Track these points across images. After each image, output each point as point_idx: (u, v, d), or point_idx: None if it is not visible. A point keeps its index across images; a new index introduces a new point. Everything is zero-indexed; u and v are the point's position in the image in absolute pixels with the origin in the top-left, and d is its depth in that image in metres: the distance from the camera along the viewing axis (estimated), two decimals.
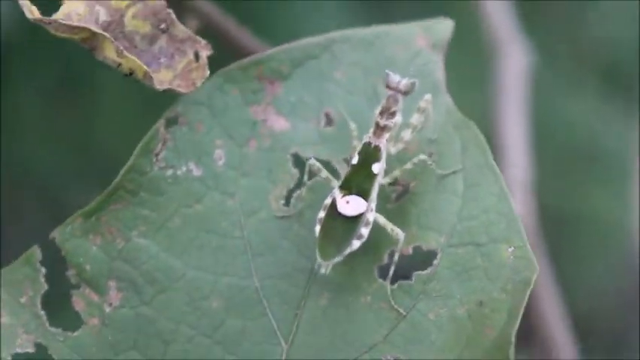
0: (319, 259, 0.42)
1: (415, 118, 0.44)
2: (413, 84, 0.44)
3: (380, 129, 0.44)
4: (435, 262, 0.43)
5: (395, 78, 0.44)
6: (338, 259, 0.42)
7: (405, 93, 0.44)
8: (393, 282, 0.43)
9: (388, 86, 0.44)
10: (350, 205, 0.42)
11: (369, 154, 0.43)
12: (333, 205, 0.43)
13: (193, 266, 0.43)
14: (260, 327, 0.43)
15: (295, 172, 0.44)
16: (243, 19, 0.58)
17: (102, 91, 1.18)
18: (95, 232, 0.43)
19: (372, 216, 0.43)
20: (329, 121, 0.45)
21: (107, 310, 0.43)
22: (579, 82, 1.29)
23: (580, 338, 1.21)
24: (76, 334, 0.43)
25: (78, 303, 0.43)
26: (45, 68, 1.15)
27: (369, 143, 0.44)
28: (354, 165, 0.43)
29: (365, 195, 0.43)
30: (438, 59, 0.46)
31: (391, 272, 0.42)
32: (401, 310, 0.42)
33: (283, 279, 0.43)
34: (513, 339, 0.40)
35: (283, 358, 0.43)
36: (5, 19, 0.99)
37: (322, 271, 0.42)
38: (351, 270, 0.43)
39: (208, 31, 0.56)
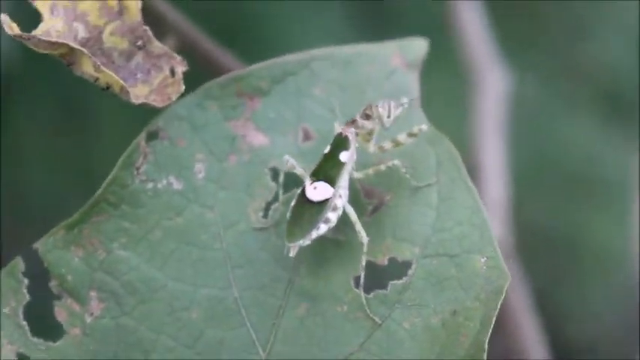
0: (286, 241, 0.44)
1: (402, 138, 0.45)
2: (395, 117, 0.45)
3: (351, 122, 0.45)
4: (410, 272, 0.44)
5: (380, 110, 0.45)
6: (305, 241, 0.44)
7: (388, 121, 0.45)
8: (369, 292, 0.44)
9: (370, 115, 0.45)
10: (317, 191, 0.44)
11: (338, 144, 0.45)
12: (303, 191, 0.44)
13: (173, 277, 0.45)
14: (239, 337, 0.44)
15: (273, 185, 0.46)
16: (229, 38, 0.59)
17: (101, 118, 1.19)
18: (77, 243, 0.44)
19: (339, 202, 0.44)
20: (307, 136, 0.46)
21: (88, 320, 0.44)
22: (579, 106, 1.30)
23: None
24: (57, 343, 0.44)
25: (60, 313, 0.44)
26: (45, 97, 1.17)
27: (340, 133, 0.45)
28: (324, 154, 0.45)
29: (332, 181, 0.44)
30: (413, 77, 0.47)
31: (362, 279, 0.43)
32: (376, 319, 0.43)
33: (262, 290, 0.44)
34: (486, 346, 0.41)
35: None
36: (5, 51, 1.01)
37: (290, 254, 0.44)
38: (328, 280, 0.44)
39: (187, 49, 0.57)
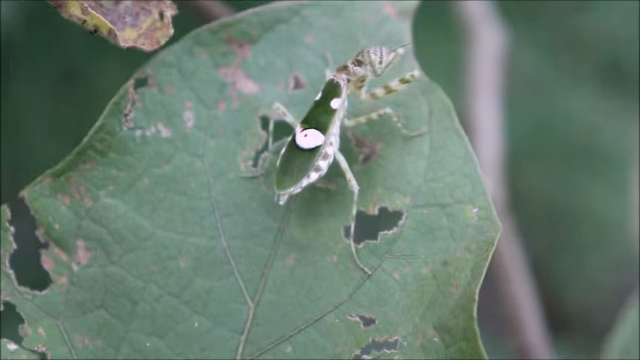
0: (275, 189, 0.43)
1: (394, 84, 0.45)
2: (387, 64, 0.44)
3: (342, 67, 0.45)
4: (401, 222, 0.43)
5: (372, 56, 0.44)
6: (295, 189, 0.43)
7: (380, 67, 0.44)
8: (359, 242, 0.43)
9: (362, 61, 0.44)
10: (308, 138, 0.44)
11: (330, 90, 0.44)
12: (293, 139, 0.44)
13: (161, 226, 0.44)
14: (227, 287, 0.44)
15: (263, 133, 0.45)
16: None
17: (101, 84, 1.19)
18: (64, 191, 0.44)
19: (330, 150, 0.44)
20: (298, 84, 0.46)
21: (75, 269, 0.44)
22: (579, 76, 1.29)
23: (577, 331, 1.21)
24: (44, 292, 0.44)
25: (47, 262, 0.44)
26: (45, 64, 1.16)
27: (331, 80, 0.45)
28: (315, 101, 0.45)
29: (323, 129, 0.44)
30: (405, 26, 0.47)
31: (352, 229, 0.43)
32: (366, 270, 0.43)
33: (251, 239, 0.44)
34: (477, 297, 0.41)
35: (250, 317, 0.43)
36: (6, 18, 1.00)
37: (280, 202, 0.43)
38: (319, 230, 0.44)
39: None
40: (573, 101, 1.28)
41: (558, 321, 1.19)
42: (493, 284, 0.78)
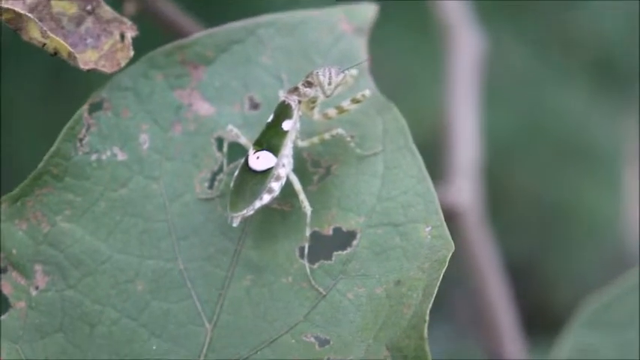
0: (229, 212, 0.43)
1: (346, 104, 0.45)
2: (336, 84, 0.45)
3: (293, 89, 0.45)
4: (355, 242, 0.43)
5: (321, 78, 0.44)
6: (248, 212, 0.43)
7: (329, 88, 0.45)
8: (313, 262, 0.43)
9: (312, 83, 0.45)
10: (259, 160, 0.44)
11: (281, 112, 0.45)
12: (246, 161, 0.44)
13: (118, 249, 0.44)
14: (184, 309, 0.44)
15: (219, 155, 0.45)
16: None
17: (90, 87, 1.18)
18: (21, 216, 0.44)
19: (283, 171, 0.44)
20: (253, 105, 0.46)
21: (33, 293, 0.44)
22: (569, 74, 1.29)
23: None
24: (3, 317, 0.44)
25: (5, 287, 0.44)
26: (34, 66, 1.16)
27: (283, 101, 0.45)
28: (267, 123, 0.45)
29: (275, 150, 0.44)
30: (361, 43, 0.47)
31: (306, 250, 0.43)
32: (320, 290, 0.43)
33: (207, 261, 0.44)
34: (427, 317, 0.41)
35: (207, 339, 0.43)
36: None
37: (233, 224, 0.43)
38: (274, 251, 0.44)
39: (150, 14, 0.57)
40: (563, 98, 1.28)
41: (547, 320, 1.19)
42: (470, 288, 0.78)
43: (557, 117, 1.29)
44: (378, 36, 0.50)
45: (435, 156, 0.83)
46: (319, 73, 0.44)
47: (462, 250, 0.76)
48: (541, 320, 1.15)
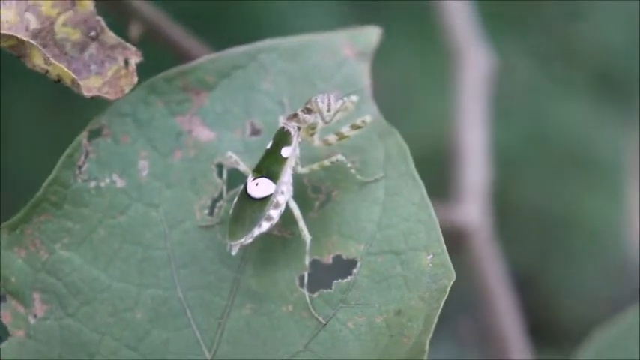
0: (227, 240, 0.42)
1: (346, 130, 0.44)
2: (335, 111, 0.44)
3: (293, 115, 0.44)
4: (355, 270, 0.43)
5: (320, 104, 0.44)
6: (247, 240, 0.42)
7: (328, 115, 0.44)
8: (313, 291, 0.43)
9: (311, 109, 0.44)
10: (258, 187, 0.43)
11: (281, 138, 0.44)
12: (245, 188, 0.43)
13: (117, 277, 0.44)
14: (184, 338, 0.43)
15: (220, 182, 0.45)
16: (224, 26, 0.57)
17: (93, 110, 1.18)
18: (20, 244, 0.44)
19: (282, 199, 0.43)
20: (254, 131, 0.45)
21: (32, 321, 0.43)
22: (572, 86, 1.29)
23: (570, 342, 1.20)
24: (2, 345, 0.43)
25: (5, 315, 0.43)
26: (38, 75, 1.16)
27: (282, 128, 0.44)
28: (267, 149, 0.44)
29: (274, 178, 0.43)
30: (364, 68, 0.46)
31: (305, 278, 0.42)
32: (320, 319, 0.42)
33: (207, 289, 0.44)
34: (427, 347, 0.40)
35: None
36: None
37: (232, 252, 0.42)
38: (274, 279, 0.43)
39: (154, 37, 0.56)
40: (565, 110, 1.27)
41: (551, 332, 1.18)
42: (477, 305, 0.77)
43: (560, 129, 1.29)
44: (383, 52, 0.49)
45: (442, 173, 0.83)
46: (318, 100, 0.44)
47: (471, 269, 0.75)
48: (543, 330, 1.14)
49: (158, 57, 0.51)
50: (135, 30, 0.54)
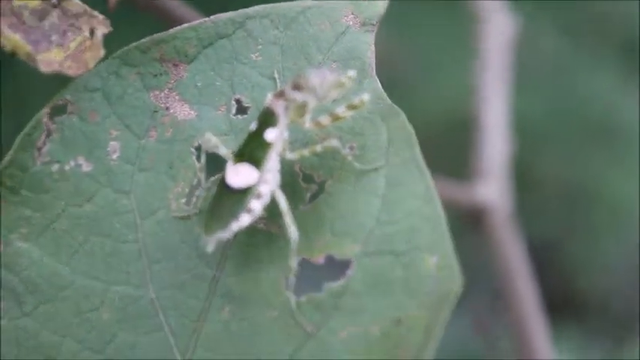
0: (202, 234, 0.36)
1: (341, 110, 0.38)
2: (330, 87, 0.38)
3: (279, 93, 0.37)
4: (349, 272, 0.37)
5: (312, 79, 0.38)
6: (224, 234, 0.36)
7: (322, 92, 0.38)
8: (301, 294, 0.37)
9: (301, 85, 0.38)
10: (239, 175, 0.36)
11: (265, 119, 0.37)
12: (224, 175, 0.37)
13: (82, 273, 0.38)
14: (155, 342, 0.38)
15: (199, 166, 0.39)
16: None
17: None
18: None
19: (266, 189, 0.36)
20: (241, 109, 0.40)
21: None
22: (598, 58, 1.23)
23: (592, 315, 1.16)
24: None
25: None
26: None
27: (267, 107, 0.37)
28: (250, 131, 0.37)
29: (257, 164, 0.36)
30: (368, 39, 0.39)
31: (291, 281, 0.37)
32: (308, 328, 0.37)
33: (182, 289, 0.38)
34: None
35: None
36: None
37: (208, 248, 0.36)
38: (257, 279, 0.37)
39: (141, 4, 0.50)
40: (590, 81, 1.21)
41: (571, 305, 1.13)
42: (497, 285, 0.73)
43: (584, 101, 1.23)
44: (398, 18, 0.44)
45: (461, 147, 0.77)
46: (312, 75, 0.37)
47: (489, 248, 0.71)
48: (563, 304, 1.10)
49: (141, 26, 0.45)
50: None
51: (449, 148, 0.99)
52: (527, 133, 1.04)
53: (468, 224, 0.71)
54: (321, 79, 0.36)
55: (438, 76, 1.14)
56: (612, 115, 1.21)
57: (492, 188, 0.66)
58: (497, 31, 0.69)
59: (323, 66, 0.37)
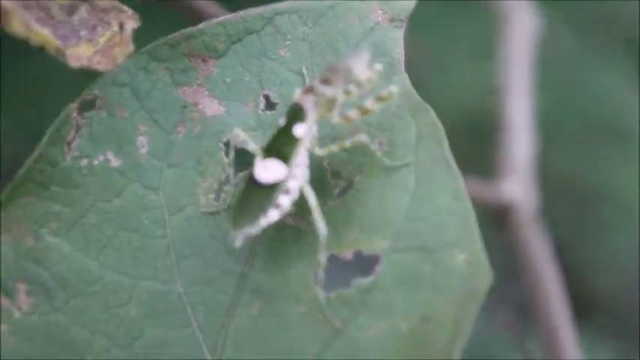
0: (231, 229, 0.36)
1: (369, 103, 0.38)
2: (363, 81, 0.38)
3: (308, 88, 0.37)
4: (378, 268, 0.37)
5: (344, 73, 0.38)
6: (252, 229, 0.36)
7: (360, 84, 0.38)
8: (330, 290, 0.37)
9: (331, 79, 0.38)
10: (267, 171, 0.36)
11: (294, 115, 0.37)
12: (252, 170, 0.37)
13: (110, 268, 0.38)
14: (183, 338, 0.37)
15: (227, 162, 0.39)
16: None
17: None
18: (4, 227, 0.38)
19: (294, 185, 0.36)
20: (269, 105, 0.39)
21: (17, 315, 0.38)
22: (610, 57, 1.22)
23: (602, 314, 1.15)
24: None
25: None
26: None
27: (295, 103, 0.37)
28: (279, 127, 0.37)
29: (286, 159, 0.36)
30: (397, 35, 0.39)
31: (320, 276, 0.36)
32: (337, 325, 0.36)
33: (210, 284, 0.38)
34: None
35: None
36: None
37: (236, 244, 0.36)
38: (286, 275, 0.37)
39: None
40: (603, 79, 1.21)
41: (583, 304, 1.13)
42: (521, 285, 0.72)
43: (596, 99, 1.23)
44: (420, 15, 0.43)
45: (484, 145, 0.77)
46: (342, 69, 0.37)
47: (515, 247, 0.70)
48: (576, 306, 1.09)
49: (168, 21, 0.45)
50: None
51: (467, 147, 0.99)
52: (538, 131, 1.03)
53: (493, 223, 0.71)
54: (351, 72, 0.36)
55: (454, 76, 1.14)
56: (622, 114, 1.21)
57: (518, 187, 0.65)
58: (522, 30, 0.69)
59: (356, 56, 0.37)
